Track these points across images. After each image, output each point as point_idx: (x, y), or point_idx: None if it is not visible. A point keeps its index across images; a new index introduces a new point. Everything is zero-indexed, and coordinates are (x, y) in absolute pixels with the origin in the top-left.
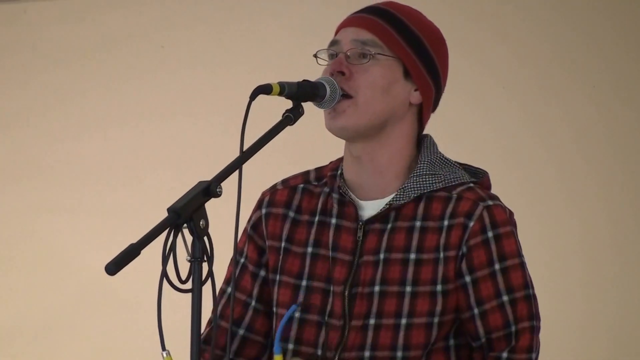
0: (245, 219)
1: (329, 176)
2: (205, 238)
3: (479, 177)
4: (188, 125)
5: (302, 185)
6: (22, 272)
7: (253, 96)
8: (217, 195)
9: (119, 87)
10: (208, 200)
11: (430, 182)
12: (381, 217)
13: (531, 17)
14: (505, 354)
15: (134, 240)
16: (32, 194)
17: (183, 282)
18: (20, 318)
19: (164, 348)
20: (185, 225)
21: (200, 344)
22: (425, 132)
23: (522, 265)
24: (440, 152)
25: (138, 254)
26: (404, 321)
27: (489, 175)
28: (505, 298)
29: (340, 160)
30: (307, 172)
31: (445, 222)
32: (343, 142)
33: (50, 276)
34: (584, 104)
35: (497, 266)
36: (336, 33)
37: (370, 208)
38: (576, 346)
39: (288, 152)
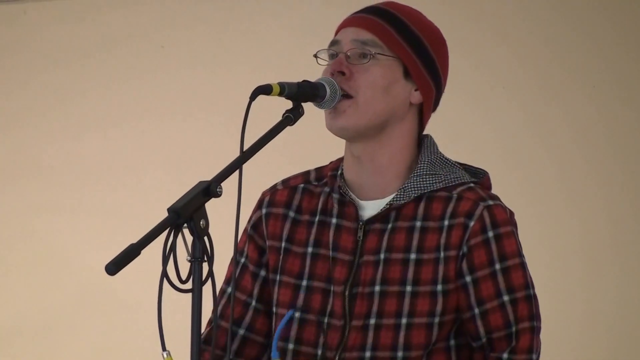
0: (246, 219)
1: (329, 176)
2: (206, 238)
3: (480, 177)
4: (188, 125)
5: (302, 185)
6: (22, 272)
7: (253, 96)
8: (217, 195)
9: (119, 87)
10: (208, 200)
11: (431, 182)
12: (381, 217)
13: (531, 17)
14: (505, 355)
15: (134, 240)
16: (32, 194)
17: (183, 282)
18: (20, 318)
19: (164, 348)
20: (185, 225)
21: (201, 344)
22: (425, 132)
23: (523, 265)
24: (440, 152)
25: (138, 254)
26: (404, 321)
27: (489, 175)
28: (505, 298)
29: (341, 160)
30: (307, 172)
31: (446, 222)
32: (343, 142)
33: (50, 276)
34: (584, 104)
35: (497, 266)
36: (336, 33)
37: (370, 208)
38: (577, 347)
39: (288, 153)
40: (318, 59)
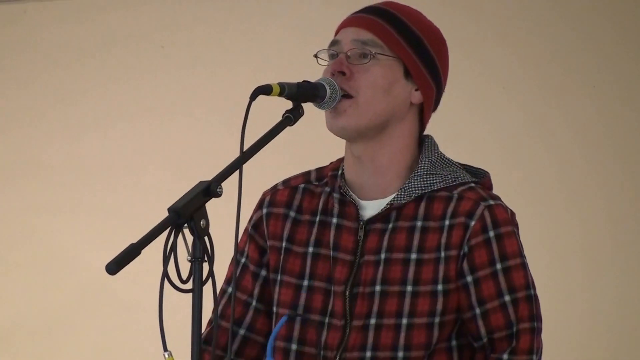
0: (246, 219)
1: (329, 176)
2: (206, 238)
3: (480, 178)
4: (188, 125)
5: (302, 185)
6: (22, 272)
7: (253, 96)
8: (218, 195)
9: (119, 87)
10: (208, 200)
11: (431, 182)
12: (382, 216)
13: (531, 17)
14: (505, 355)
15: (134, 240)
16: (32, 194)
17: (184, 282)
18: (20, 318)
19: (165, 349)
20: (185, 225)
21: (201, 344)
22: (425, 132)
23: (524, 266)
24: (441, 152)
25: (138, 253)
26: (404, 321)
27: (490, 175)
28: (507, 298)
29: (341, 160)
30: (307, 172)
31: (447, 222)
32: (343, 142)
33: (50, 276)
34: (584, 104)
35: (498, 266)
36: (336, 33)
37: (371, 208)
38: (577, 347)
39: (288, 153)
40: (318, 59)
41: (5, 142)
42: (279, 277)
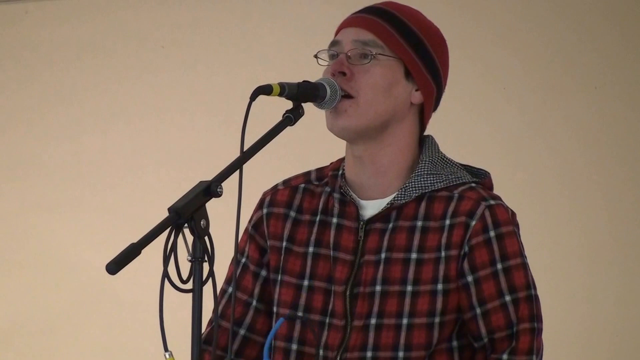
0: (246, 219)
1: (330, 176)
2: (206, 238)
3: (481, 178)
4: (188, 125)
5: (303, 185)
6: (22, 272)
7: (253, 97)
8: (218, 195)
9: (119, 86)
10: (209, 200)
11: (432, 181)
12: (382, 216)
13: (532, 17)
14: (505, 356)
15: (134, 240)
16: (32, 193)
17: (184, 282)
18: (20, 317)
19: (166, 349)
20: (185, 225)
21: (201, 344)
22: (426, 133)
23: (525, 266)
24: (442, 152)
25: (139, 253)
26: (405, 321)
27: (491, 175)
28: (507, 298)
29: (342, 160)
30: (308, 173)
31: (447, 222)
32: (343, 142)
33: (50, 276)
34: (585, 105)
35: (499, 266)
36: (336, 34)
37: (371, 208)
38: (579, 348)
39: (288, 153)
40: (318, 59)
41: (6, 142)
42: (279, 277)
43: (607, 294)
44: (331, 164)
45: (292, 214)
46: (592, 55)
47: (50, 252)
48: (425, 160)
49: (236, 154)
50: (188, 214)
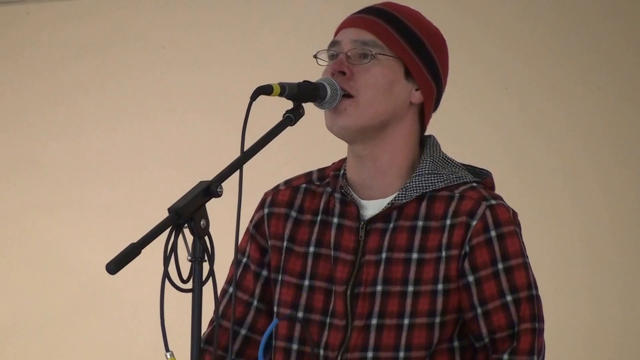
0: (246, 219)
1: (331, 176)
2: (206, 238)
3: (483, 178)
4: (189, 126)
5: (304, 185)
6: (22, 271)
7: (254, 97)
8: (218, 195)
9: (120, 87)
10: (209, 200)
11: (433, 181)
12: (383, 216)
13: (534, 17)
14: (506, 356)
15: (134, 239)
16: (32, 193)
17: (185, 282)
18: (21, 316)
19: (167, 349)
20: (185, 225)
21: (201, 344)
22: (427, 133)
23: (526, 266)
24: (443, 152)
25: (138, 253)
26: (406, 321)
27: (492, 175)
28: (508, 298)
29: (343, 161)
30: (309, 173)
31: (448, 221)
32: (344, 142)
33: (50, 275)
34: (587, 105)
35: (500, 265)
36: (336, 34)
37: (372, 207)
38: (580, 348)
39: (289, 153)
40: (318, 59)
41: (7, 141)
42: (280, 277)
43: (609, 294)
44: (333, 164)
45: (293, 214)
46: (594, 56)
47: (50, 252)
48: (427, 160)
49: (236, 153)
50: (188, 214)
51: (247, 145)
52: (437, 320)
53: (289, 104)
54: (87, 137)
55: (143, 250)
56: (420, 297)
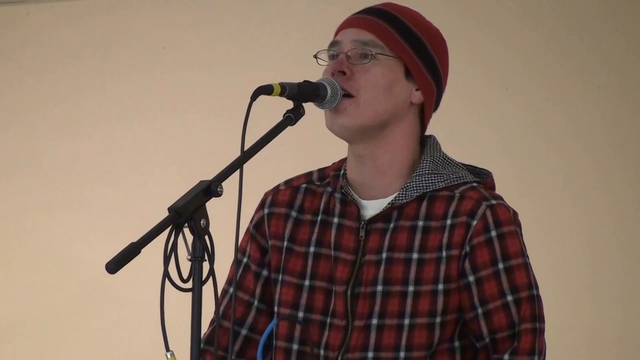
0: (246, 219)
1: (331, 176)
2: (207, 237)
3: (483, 178)
4: (189, 125)
5: (304, 185)
6: (23, 271)
7: (254, 97)
8: (218, 194)
9: (121, 87)
10: (209, 199)
11: (433, 181)
12: (383, 216)
13: (534, 17)
14: (506, 356)
15: (134, 239)
16: (33, 192)
17: (185, 281)
18: (21, 316)
19: (168, 349)
20: (185, 224)
21: (201, 343)
22: (428, 133)
23: (526, 265)
24: (443, 152)
25: (138, 252)
26: (406, 321)
27: (493, 175)
28: (509, 298)
29: (344, 161)
30: (310, 173)
31: (448, 221)
32: (344, 142)
33: (50, 274)
34: (588, 105)
35: (500, 265)
36: (336, 34)
37: (372, 207)
38: (582, 348)
39: (289, 153)
40: (318, 59)
41: (7, 141)
42: (280, 277)
43: (610, 294)
44: (333, 164)
45: (294, 214)
46: (594, 56)
47: (50, 252)
48: (427, 160)
49: (236, 153)
50: (188, 213)
51: (248, 145)
52: (438, 320)
53: (289, 104)
54: (87, 137)
55: (143, 250)
56: (421, 297)
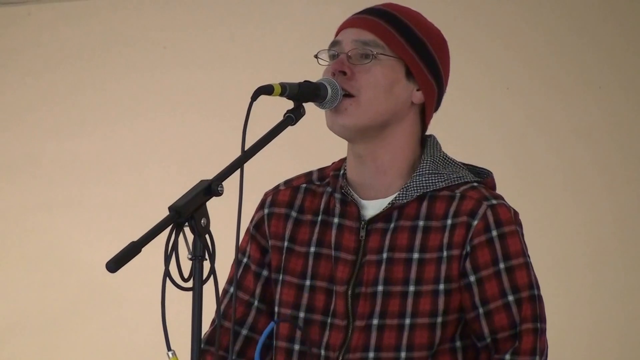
0: (246, 219)
1: (331, 176)
2: (207, 236)
3: (484, 177)
4: (190, 125)
5: (304, 185)
6: (23, 270)
7: (254, 97)
8: (219, 194)
9: (121, 86)
10: (209, 199)
11: (433, 181)
12: (384, 216)
13: (535, 17)
14: (508, 356)
15: (134, 239)
16: (33, 192)
17: (186, 281)
18: (21, 315)
19: (169, 348)
20: (186, 223)
21: (201, 342)
22: (429, 132)
23: (528, 265)
24: (443, 152)
25: (139, 251)
26: (407, 321)
27: (494, 175)
28: (510, 298)
29: (343, 160)
30: (309, 173)
31: (449, 221)
32: (344, 142)
33: (51, 274)
34: (589, 104)
35: (501, 265)
36: (336, 34)
37: (372, 207)
38: (583, 348)
39: (289, 153)
40: (319, 59)
41: (7, 141)
42: (280, 277)
43: (611, 294)
44: (333, 164)
45: (294, 214)
46: (596, 55)
47: (50, 252)
48: (427, 160)
49: (236, 153)
50: (188, 212)
51: (248, 144)
52: (439, 320)
53: (289, 104)
54: (87, 137)
55: (143, 249)
56: (422, 297)
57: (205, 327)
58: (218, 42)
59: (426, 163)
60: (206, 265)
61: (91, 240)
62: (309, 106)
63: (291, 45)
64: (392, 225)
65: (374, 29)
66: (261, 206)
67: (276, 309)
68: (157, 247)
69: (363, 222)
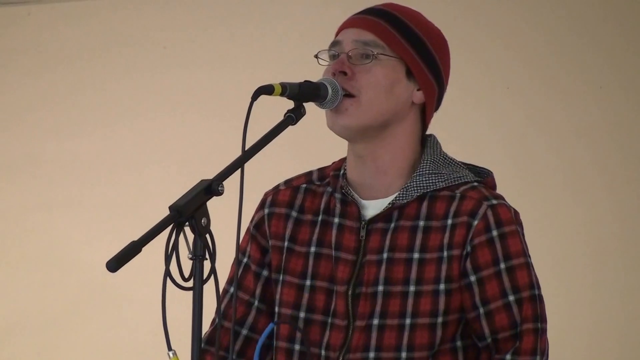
0: (246, 218)
1: (331, 176)
2: (208, 236)
3: (484, 177)
4: (190, 125)
5: (304, 185)
6: (23, 270)
7: (255, 97)
8: (219, 193)
9: (121, 86)
10: (210, 198)
11: (433, 181)
12: (384, 216)
13: (536, 17)
14: (508, 356)
15: (134, 238)
16: (33, 191)
17: (186, 280)
18: (22, 315)
19: (170, 348)
20: (187, 223)
21: (201, 342)
22: (429, 132)
23: (528, 265)
24: (444, 152)
25: (139, 251)
26: (408, 321)
27: (494, 175)
28: (511, 298)
29: (343, 160)
30: (309, 173)
31: (449, 221)
32: (345, 142)
33: (51, 274)
34: (590, 104)
35: (502, 265)
36: (337, 34)
37: (373, 207)
38: (583, 349)
39: (290, 152)
40: (319, 59)
41: (7, 141)
42: (281, 277)
43: (612, 294)
44: (333, 163)
45: (294, 214)
46: (596, 55)
47: (51, 251)
48: (427, 160)
49: (237, 153)
50: (189, 212)
51: (249, 144)
52: (440, 320)
53: (289, 104)
54: (87, 137)
55: (144, 249)
56: (422, 297)
57: (206, 327)
58: (218, 42)
59: (426, 163)
60: (206, 265)
61: (91, 240)
62: (309, 106)
63: (291, 45)
64: (392, 225)
65: (374, 29)
66: (261, 206)
67: (276, 309)
68: (157, 246)
69: (363, 222)
